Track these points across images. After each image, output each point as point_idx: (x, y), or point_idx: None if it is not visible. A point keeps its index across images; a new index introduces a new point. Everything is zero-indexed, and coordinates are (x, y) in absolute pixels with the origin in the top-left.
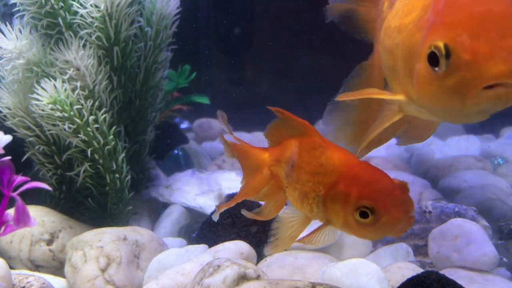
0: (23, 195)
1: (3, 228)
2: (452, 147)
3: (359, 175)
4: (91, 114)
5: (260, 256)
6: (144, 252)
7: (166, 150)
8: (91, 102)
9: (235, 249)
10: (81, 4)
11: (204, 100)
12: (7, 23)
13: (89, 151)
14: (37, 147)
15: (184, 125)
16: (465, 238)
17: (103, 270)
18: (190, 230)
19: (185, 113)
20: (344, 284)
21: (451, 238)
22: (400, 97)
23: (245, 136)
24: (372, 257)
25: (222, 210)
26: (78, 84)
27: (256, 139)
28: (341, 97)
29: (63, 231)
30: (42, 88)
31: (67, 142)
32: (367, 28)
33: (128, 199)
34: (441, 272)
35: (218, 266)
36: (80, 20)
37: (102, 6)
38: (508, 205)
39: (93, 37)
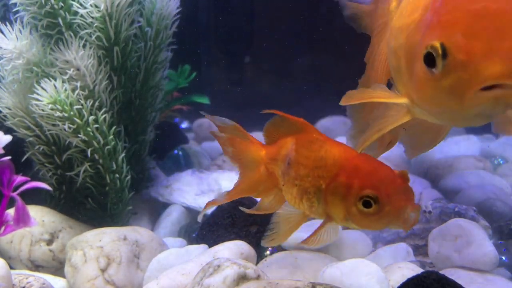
0: (23, 195)
1: (3, 228)
2: (452, 147)
3: (360, 166)
4: (91, 114)
5: (260, 256)
6: (144, 252)
7: (166, 150)
8: (91, 102)
9: (235, 249)
10: (81, 4)
11: (204, 100)
12: (7, 22)
13: (89, 151)
14: (37, 147)
15: (184, 125)
16: (465, 238)
17: (103, 270)
18: (190, 230)
19: (185, 113)
20: (344, 284)
21: (451, 238)
22: (404, 100)
23: None
24: (372, 257)
25: (211, 206)
26: (78, 84)
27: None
28: (344, 102)
29: (63, 231)
30: (42, 88)
31: (67, 142)
32: (369, 25)
33: (128, 199)
34: (441, 272)
35: (218, 266)
36: (80, 20)
37: (102, 6)
38: (508, 205)
39: (93, 37)
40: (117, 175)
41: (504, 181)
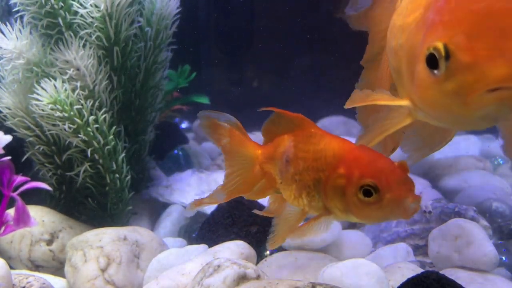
0: (23, 195)
1: (3, 228)
2: (452, 147)
3: (359, 157)
4: (91, 114)
5: (260, 256)
6: (144, 252)
7: (166, 150)
8: (91, 102)
9: (235, 249)
10: (81, 4)
11: (204, 100)
12: (7, 22)
13: (89, 151)
14: (37, 147)
15: (184, 125)
16: (465, 238)
17: (103, 270)
18: (190, 230)
19: (185, 113)
20: (344, 284)
21: (451, 238)
22: (405, 103)
23: None
24: (372, 257)
25: (201, 206)
26: (78, 84)
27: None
28: (348, 105)
29: (63, 231)
30: (42, 88)
31: (67, 142)
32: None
33: (128, 199)
34: (441, 272)
35: (218, 266)
36: (80, 20)
37: (102, 6)
38: (508, 205)
39: (93, 37)
40: (117, 175)
41: (504, 181)
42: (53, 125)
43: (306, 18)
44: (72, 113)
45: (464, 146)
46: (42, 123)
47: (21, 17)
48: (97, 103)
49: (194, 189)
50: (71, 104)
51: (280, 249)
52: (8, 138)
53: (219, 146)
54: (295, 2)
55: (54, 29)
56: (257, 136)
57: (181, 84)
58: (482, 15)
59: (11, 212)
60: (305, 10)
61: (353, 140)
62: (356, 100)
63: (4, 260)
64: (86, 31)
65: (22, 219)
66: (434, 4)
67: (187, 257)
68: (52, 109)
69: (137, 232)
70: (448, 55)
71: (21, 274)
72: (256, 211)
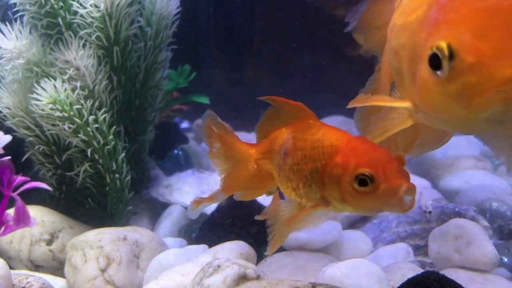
0: (23, 195)
1: (3, 228)
2: (452, 147)
3: (357, 147)
4: (91, 114)
5: (260, 256)
6: (144, 252)
7: (166, 150)
8: (91, 102)
9: (235, 249)
10: (81, 4)
11: (204, 100)
12: (7, 23)
13: (89, 151)
14: (37, 147)
15: (184, 125)
16: (465, 238)
17: (103, 270)
18: (190, 230)
19: (185, 113)
20: (344, 284)
21: (451, 238)
22: (406, 104)
23: (245, 136)
24: (372, 257)
25: (201, 205)
26: (78, 84)
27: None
28: (350, 105)
29: (63, 231)
30: (42, 88)
31: (67, 142)
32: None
33: (128, 199)
34: (441, 272)
35: (218, 266)
36: (80, 20)
37: (102, 6)
38: (508, 205)
39: (93, 37)
40: (117, 175)
41: (504, 181)
42: (53, 125)
43: (306, 18)
44: (72, 113)
45: (464, 146)
46: (42, 123)
47: (21, 17)
48: (97, 103)
49: (194, 189)
50: (71, 104)
51: (280, 249)
52: (8, 138)
53: (212, 154)
54: (295, 2)
55: (54, 29)
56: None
57: (181, 84)
58: (489, 14)
59: (11, 212)
60: (305, 10)
61: None
62: (358, 101)
63: (4, 260)
64: (86, 31)
65: (22, 219)
66: (438, 1)
67: (187, 257)
68: (52, 109)
69: (137, 232)
70: (452, 55)
71: (21, 274)
72: (257, 217)
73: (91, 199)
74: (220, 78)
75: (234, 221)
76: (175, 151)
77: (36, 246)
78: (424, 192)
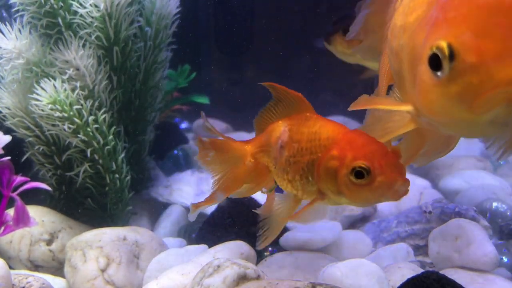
0: (22, 195)
1: (2, 228)
2: None
3: (353, 140)
4: (90, 114)
5: (260, 256)
6: (144, 252)
7: (166, 150)
8: (91, 102)
9: (235, 249)
10: (80, 4)
11: (204, 100)
12: (7, 23)
13: (88, 151)
14: (36, 147)
15: (184, 125)
16: (465, 238)
17: (102, 270)
18: (190, 230)
19: (185, 113)
20: (344, 284)
21: (451, 238)
22: (407, 108)
23: (244, 136)
24: (372, 257)
25: (200, 208)
26: (78, 84)
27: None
28: (352, 107)
29: (63, 231)
30: (42, 88)
31: (66, 142)
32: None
33: (128, 199)
34: (442, 272)
35: (218, 266)
36: (80, 20)
37: (102, 6)
38: (508, 205)
39: (93, 37)
40: (117, 175)
41: (504, 181)
42: (53, 125)
43: (306, 17)
44: (71, 113)
45: (464, 146)
46: (41, 123)
47: (21, 16)
48: (96, 103)
49: (194, 189)
50: (71, 104)
51: (280, 249)
52: (8, 138)
53: (206, 162)
54: (295, 2)
55: (54, 29)
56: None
57: (181, 84)
58: (490, 12)
59: (10, 212)
60: (305, 9)
61: None
62: (360, 103)
63: (4, 260)
64: (86, 31)
65: (22, 219)
66: (438, 0)
67: (187, 257)
68: (51, 109)
69: (136, 232)
70: (452, 55)
71: (20, 274)
72: (256, 210)
73: (91, 199)
74: (220, 78)
75: (234, 221)
76: (175, 151)
77: (36, 246)
78: (424, 192)
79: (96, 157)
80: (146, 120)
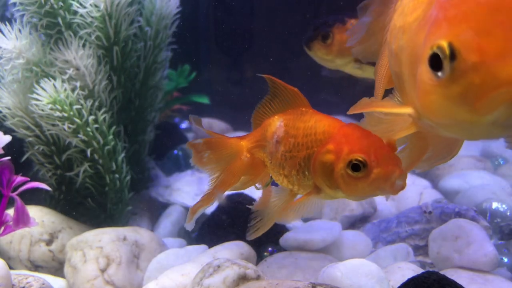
0: (22, 195)
1: (2, 228)
2: None
3: (349, 134)
4: (90, 114)
5: (260, 257)
6: (144, 253)
7: (166, 150)
8: (91, 102)
9: (235, 249)
10: (80, 4)
11: (204, 100)
12: (6, 22)
13: (88, 151)
14: (36, 147)
15: (184, 125)
16: (465, 239)
17: (102, 271)
18: (190, 231)
19: (185, 113)
20: (344, 285)
21: (451, 239)
22: (408, 111)
23: None
24: (372, 257)
25: (198, 212)
26: (78, 84)
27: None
28: (351, 111)
29: (63, 231)
30: (42, 88)
31: (66, 142)
32: None
33: (128, 199)
34: (442, 272)
35: (218, 267)
36: (80, 19)
37: (102, 6)
38: (508, 205)
39: (93, 37)
40: (116, 175)
41: (504, 181)
42: (53, 125)
43: (307, 17)
44: (71, 113)
45: (464, 146)
46: (41, 123)
47: (21, 16)
48: (96, 103)
49: (194, 189)
50: (71, 104)
51: (280, 249)
52: (8, 138)
53: (202, 163)
54: (295, 2)
55: (54, 28)
56: None
57: (181, 84)
58: (491, 9)
59: (10, 212)
60: (306, 9)
61: None
62: (360, 106)
63: (4, 260)
64: (86, 30)
65: (22, 220)
66: None
67: (187, 258)
68: (51, 109)
69: (136, 232)
70: (453, 55)
71: (20, 274)
72: (250, 206)
73: (90, 199)
74: (220, 78)
75: (234, 221)
76: (175, 151)
77: (36, 246)
78: (424, 192)
79: (96, 157)
80: (146, 120)
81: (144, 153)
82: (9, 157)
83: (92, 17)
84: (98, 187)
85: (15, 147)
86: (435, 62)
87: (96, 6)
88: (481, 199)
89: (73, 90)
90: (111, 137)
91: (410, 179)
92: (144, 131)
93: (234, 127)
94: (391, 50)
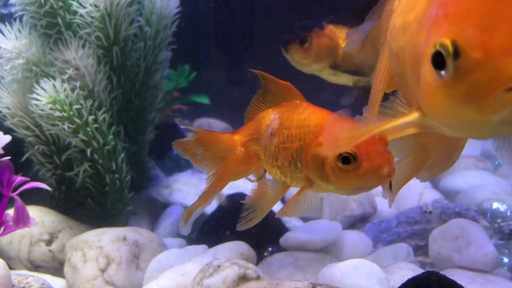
0: (22, 195)
1: (2, 228)
2: None
3: None
4: (90, 114)
5: (260, 257)
6: (144, 253)
7: (166, 150)
8: (91, 102)
9: (235, 249)
10: (80, 4)
11: (204, 100)
12: (7, 23)
13: (88, 151)
14: (36, 147)
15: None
16: (465, 239)
17: (102, 271)
18: (190, 230)
19: (185, 113)
20: (344, 285)
21: (451, 239)
22: (414, 116)
23: None
24: (372, 257)
25: (195, 213)
26: (78, 84)
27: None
28: (355, 139)
29: (63, 231)
30: (42, 88)
31: (66, 142)
32: None
33: (128, 199)
34: (442, 272)
35: (218, 267)
36: (80, 19)
37: (102, 6)
38: (508, 205)
39: (93, 37)
40: (116, 175)
41: (504, 181)
42: (53, 125)
43: (306, 17)
44: (71, 113)
45: (464, 146)
46: (41, 123)
47: (21, 16)
48: (96, 103)
49: (194, 189)
50: (71, 104)
51: (280, 249)
52: (8, 138)
53: (196, 161)
54: (295, 2)
55: (54, 28)
56: None
57: (181, 84)
58: (494, 4)
59: (10, 212)
60: (306, 9)
61: None
62: (365, 131)
63: (4, 260)
64: (86, 30)
65: (22, 219)
66: None
67: (187, 258)
68: (51, 109)
69: (136, 233)
70: (457, 53)
71: (20, 275)
72: (243, 201)
73: (90, 199)
74: (220, 78)
75: (234, 221)
76: (175, 151)
77: (36, 246)
78: (424, 192)
79: (96, 157)
80: (146, 120)
81: (144, 153)
82: (9, 157)
83: (92, 17)
84: (98, 187)
85: (15, 147)
86: (438, 61)
87: (96, 6)
88: (481, 199)
89: (73, 90)
90: (111, 137)
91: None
92: (144, 131)
93: (234, 127)
94: (391, 50)
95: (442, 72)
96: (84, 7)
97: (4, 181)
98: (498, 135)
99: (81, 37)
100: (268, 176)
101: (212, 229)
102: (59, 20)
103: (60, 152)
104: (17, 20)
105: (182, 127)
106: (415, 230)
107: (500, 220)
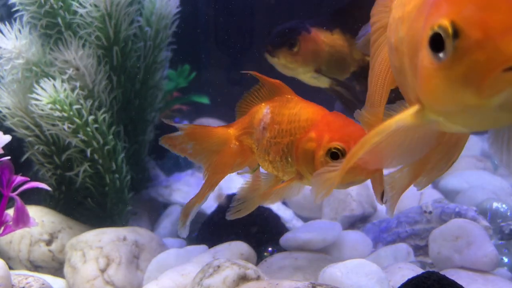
0: (22, 195)
1: (2, 228)
2: None
3: (331, 122)
4: (90, 114)
5: (260, 257)
6: (144, 253)
7: (166, 150)
8: (91, 102)
9: (235, 249)
10: (80, 4)
11: (204, 100)
12: (7, 23)
13: (88, 151)
14: (36, 147)
15: None
16: (465, 239)
17: (102, 271)
18: (190, 230)
19: (185, 113)
20: (345, 285)
21: (451, 239)
22: (414, 109)
23: None
24: (372, 257)
25: (194, 207)
26: (78, 84)
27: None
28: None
29: (63, 231)
30: (42, 88)
31: (66, 142)
32: None
33: (128, 199)
34: (442, 272)
35: (218, 267)
36: (80, 19)
37: (102, 6)
38: (508, 205)
39: (93, 37)
40: (116, 175)
41: (504, 181)
42: (53, 125)
43: (306, 17)
44: (71, 113)
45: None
46: (41, 123)
47: (21, 16)
48: (96, 103)
49: (194, 189)
50: (71, 104)
51: (280, 249)
52: (8, 138)
53: (189, 155)
54: (295, 2)
55: (54, 28)
56: None
57: (181, 84)
58: None
59: (10, 212)
60: (306, 9)
61: None
62: (369, 143)
63: (4, 260)
64: (86, 30)
65: (22, 220)
66: None
67: (187, 258)
68: (51, 109)
69: (136, 233)
70: (456, 33)
71: (20, 275)
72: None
73: (90, 199)
74: (220, 78)
75: (234, 221)
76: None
77: (36, 247)
78: (424, 192)
79: (96, 157)
80: (146, 120)
81: (144, 153)
82: (9, 157)
83: (92, 17)
84: (98, 187)
85: (15, 147)
86: (436, 44)
87: (96, 6)
88: (481, 199)
89: (73, 90)
90: (111, 137)
91: None
92: (144, 131)
93: None
94: (391, 45)
95: (440, 55)
96: (84, 7)
97: (4, 181)
98: (497, 124)
99: (81, 37)
100: (262, 169)
101: (212, 229)
102: (59, 20)
103: (60, 152)
104: (17, 20)
105: None
106: (415, 230)
107: (500, 220)
